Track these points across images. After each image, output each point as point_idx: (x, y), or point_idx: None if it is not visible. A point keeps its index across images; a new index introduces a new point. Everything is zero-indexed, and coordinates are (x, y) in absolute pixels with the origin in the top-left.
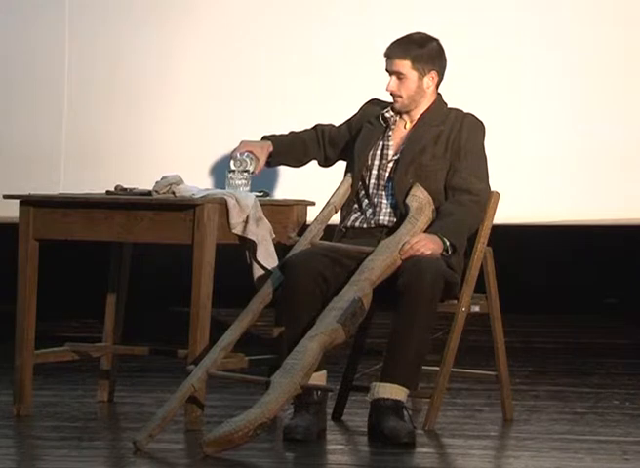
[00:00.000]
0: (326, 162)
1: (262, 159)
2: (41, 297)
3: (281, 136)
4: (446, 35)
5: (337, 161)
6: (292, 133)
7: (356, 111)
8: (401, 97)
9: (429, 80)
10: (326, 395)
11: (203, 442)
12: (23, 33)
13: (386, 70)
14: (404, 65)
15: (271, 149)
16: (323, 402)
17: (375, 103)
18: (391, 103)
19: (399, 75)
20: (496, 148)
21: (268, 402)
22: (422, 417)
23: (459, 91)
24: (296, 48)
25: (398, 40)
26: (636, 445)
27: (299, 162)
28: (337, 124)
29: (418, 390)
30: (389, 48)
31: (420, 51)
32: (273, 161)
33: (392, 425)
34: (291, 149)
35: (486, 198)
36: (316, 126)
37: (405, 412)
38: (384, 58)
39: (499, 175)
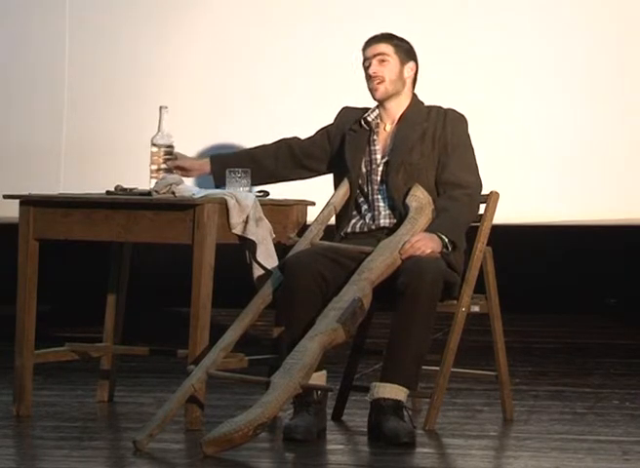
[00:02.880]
0: (301, 174)
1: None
2: (41, 297)
3: (226, 155)
4: (446, 35)
5: (321, 172)
6: (243, 150)
7: (331, 121)
8: (384, 80)
9: (409, 70)
10: (326, 395)
11: (203, 442)
12: (23, 33)
13: (366, 59)
14: (387, 48)
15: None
16: (323, 402)
17: (349, 110)
18: (367, 109)
19: (383, 57)
20: (495, 148)
21: (268, 402)
22: (422, 417)
23: (458, 91)
24: (296, 49)
25: (376, 34)
26: (636, 445)
27: (255, 178)
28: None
29: (418, 390)
30: (369, 38)
31: (400, 42)
32: (216, 177)
33: (392, 425)
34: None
35: (478, 190)
36: (280, 141)
37: (405, 412)
38: (363, 51)
39: (498, 175)
